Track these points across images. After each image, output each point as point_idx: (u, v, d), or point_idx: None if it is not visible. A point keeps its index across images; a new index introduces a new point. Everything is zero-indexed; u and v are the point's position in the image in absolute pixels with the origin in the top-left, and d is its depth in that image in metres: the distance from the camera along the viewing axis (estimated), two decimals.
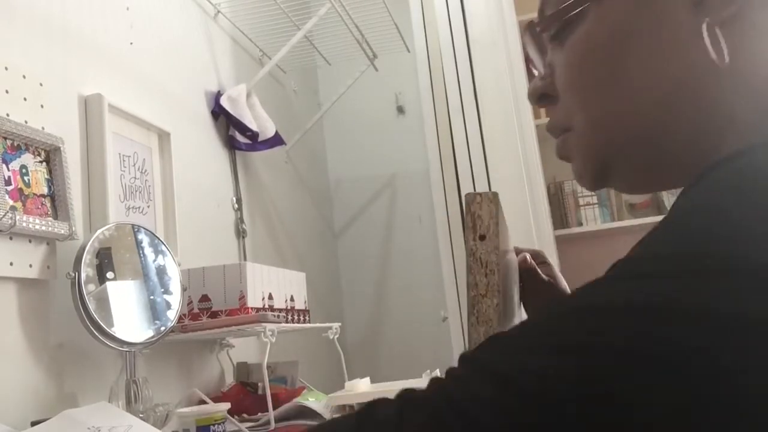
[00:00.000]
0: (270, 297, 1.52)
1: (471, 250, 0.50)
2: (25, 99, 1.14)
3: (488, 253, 0.50)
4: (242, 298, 1.41)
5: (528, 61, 0.60)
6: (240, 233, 1.95)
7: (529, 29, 0.55)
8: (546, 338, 0.36)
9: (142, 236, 1.29)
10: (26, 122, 1.12)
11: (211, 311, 1.43)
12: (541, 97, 0.56)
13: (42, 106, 1.18)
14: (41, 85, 1.19)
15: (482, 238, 0.50)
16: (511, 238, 0.69)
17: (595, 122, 0.50)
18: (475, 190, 2.22)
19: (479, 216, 0.50)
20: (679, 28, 0.46)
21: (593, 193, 2.54)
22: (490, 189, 2.21)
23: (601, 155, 0.51)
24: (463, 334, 2.23)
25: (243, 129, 1.92)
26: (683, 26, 0.46)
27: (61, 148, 1.18)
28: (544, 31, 0.54)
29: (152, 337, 1.22)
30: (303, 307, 1.71)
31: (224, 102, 1.88)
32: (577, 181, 0.55)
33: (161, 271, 1.31)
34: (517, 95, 2.23)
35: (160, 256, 1.32)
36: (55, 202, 1.17)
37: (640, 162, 0.50)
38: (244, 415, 1.42)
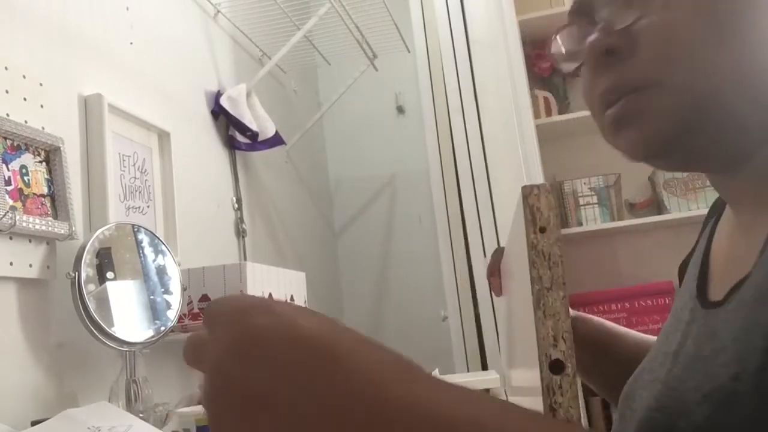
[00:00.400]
0: (270, 297, 1.52)
1: (532, 244, 0.49)
2: (25, 99, 1.14)
3: (551, 245, 0.48)
4: None
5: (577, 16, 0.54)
6: (240, 233, 1.95)
7: None
8: None
9: (142, 236, 1.29)
10: (26, 122, 1.12)
11: None
12: (610, 51, 0.49)
13: (42, 106, 1.18)
14: (41, 85, 1.19)
15: (543, 230, 0.49)
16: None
17: (698, 78, 0.46)
18: (475, 190, 2.22)
19: (538, 208, 0.49)
20: None
21: (593, 193, 2.54)
22: (490, 189, 2.21)
23: (685, 118, 0.47)
24: (463, 334, 2.23)
25: (243, 129, 1.92)
26: None
27: (61, 148, 1.18)
28: None
29: (152, 336, 1.22)
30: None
31: (224, 102, 1.88)
32: (631, 150, 0.51)
33: (161, 271, 1.31)
34: (517, 95, 2.23)
35: (160, 256, 1.32)
36: (55, 202, 1.17)
37: (712, 134, 0.47)
38: None
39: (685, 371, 0.48)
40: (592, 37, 0.50)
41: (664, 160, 0.51)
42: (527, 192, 0.49)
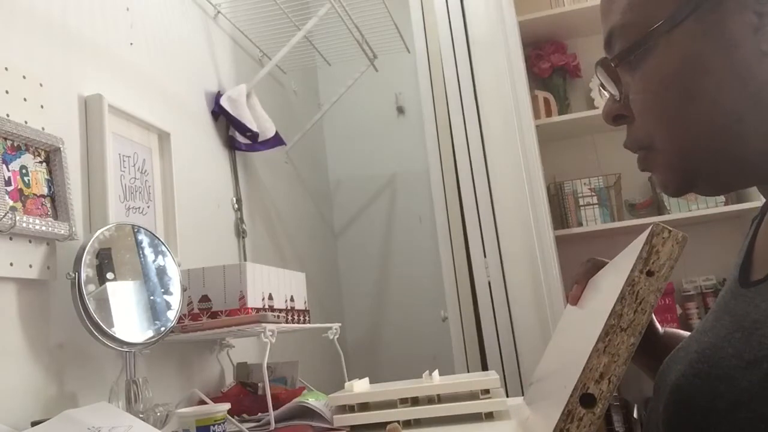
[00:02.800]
0: (270, 297, 1.52)
1: (632, 281, 0.48)
2: (25, 99, 1.14)
3: (649, 292, 0.47)
4: (242, 298, 1.41)
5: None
6: (240, 233, 1.95)
7: (602, 63, 0.61)
8: None
9: (142, 236, 1.29)
10: (26, 122, 1.12)
11: (211, 311, 1.43)
12: (616, 117, 0.61)
13: (42, 107, 1.18)
14: (41, 85, 1.19)
15: (650, 274, 0.48)
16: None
17: (676, 140, 0.56)
18: (475, 190, 2.22)
19: (657, 251, 0.48)
20: (746, 51, 0.51)
21: (593, 193, 2.54)
22: (490, 189, 2.21)
23: (685, 168, 0.57)
24: (463, 334, 2.23)
25: (243, 129, 1.92)
26: (749, 49, 0.51)
27: (61, 149, 1.18)
28: (619, 66, 0.59)
29: (152, 337, 1.22)
30: (303, 308, 1.71)
31: (224, 102, 1.88)
32: (662, 191, 0.59)
33: (161, 272, 1.31)
34: (517, 95, 2.23)
35: (160, 257, 1.32)
36: (55, 203, 1.17)
37: (721, 170, 0.55)
38: (245, 416, 1.42)
39: (721, 340, 0.51)
40: (605, 106, 0.62)
41: (695, 192, 0.59)
42: (657, 230, 0.48)
